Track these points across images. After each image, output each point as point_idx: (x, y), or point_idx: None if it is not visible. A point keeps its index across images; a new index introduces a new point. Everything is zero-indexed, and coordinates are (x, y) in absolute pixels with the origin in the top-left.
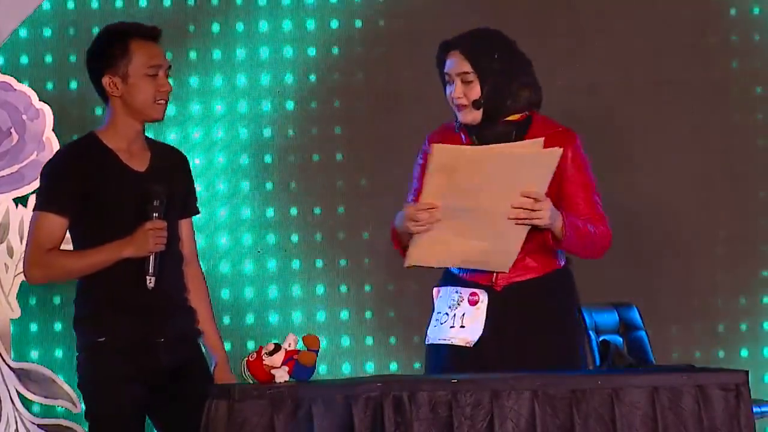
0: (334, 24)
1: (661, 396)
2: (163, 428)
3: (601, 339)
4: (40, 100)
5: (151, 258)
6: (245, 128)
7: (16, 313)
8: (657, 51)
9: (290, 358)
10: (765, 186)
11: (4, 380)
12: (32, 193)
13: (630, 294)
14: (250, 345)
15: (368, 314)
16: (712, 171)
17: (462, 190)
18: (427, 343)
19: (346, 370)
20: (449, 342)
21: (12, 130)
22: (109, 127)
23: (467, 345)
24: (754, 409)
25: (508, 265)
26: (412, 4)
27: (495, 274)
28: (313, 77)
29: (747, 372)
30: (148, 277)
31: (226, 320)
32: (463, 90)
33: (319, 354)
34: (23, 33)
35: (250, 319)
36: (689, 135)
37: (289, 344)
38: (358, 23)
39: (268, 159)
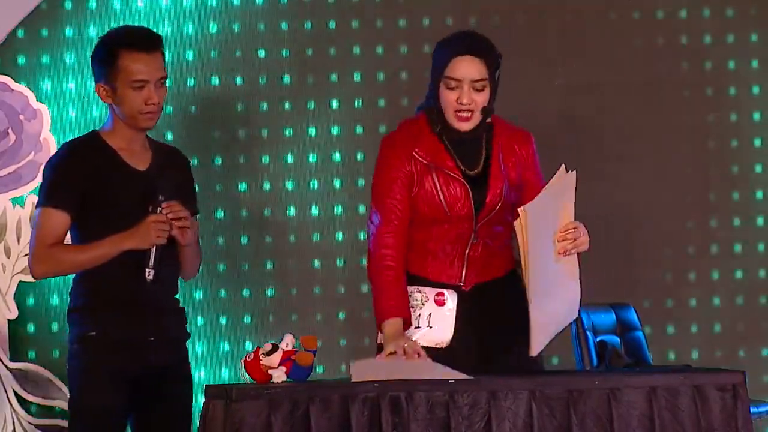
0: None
1: (659, 396)
2: (142, 430)
3: (598, 339)
4: (37, 101)
5: (152, 251)
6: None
7: (14, 313)
8: (655, 51)
9: (288, 359)
10: (763, 186)
11: (1, 381)
12: (31, 193)
13: (627, 294)
14: (248, 345)
15: (366, 314)
16: (709, 170)
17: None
18: None
19: (344, 370)
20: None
21: (9, 131)
22: (110, 127)
23: (437, 346)
24: (752, 410)
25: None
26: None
27: (464, 272)
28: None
29: (744, 372)
30: (147, 270)
31: (224, 320)
32: (473, 96)
33: (316, 354)
34: (20, 33)
35: (247, 318)
36: (687, 134)
37: (287, 344)
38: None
39: (265, 159)
